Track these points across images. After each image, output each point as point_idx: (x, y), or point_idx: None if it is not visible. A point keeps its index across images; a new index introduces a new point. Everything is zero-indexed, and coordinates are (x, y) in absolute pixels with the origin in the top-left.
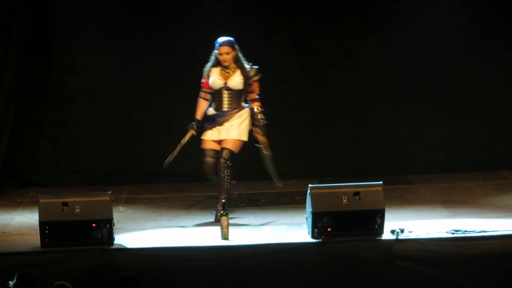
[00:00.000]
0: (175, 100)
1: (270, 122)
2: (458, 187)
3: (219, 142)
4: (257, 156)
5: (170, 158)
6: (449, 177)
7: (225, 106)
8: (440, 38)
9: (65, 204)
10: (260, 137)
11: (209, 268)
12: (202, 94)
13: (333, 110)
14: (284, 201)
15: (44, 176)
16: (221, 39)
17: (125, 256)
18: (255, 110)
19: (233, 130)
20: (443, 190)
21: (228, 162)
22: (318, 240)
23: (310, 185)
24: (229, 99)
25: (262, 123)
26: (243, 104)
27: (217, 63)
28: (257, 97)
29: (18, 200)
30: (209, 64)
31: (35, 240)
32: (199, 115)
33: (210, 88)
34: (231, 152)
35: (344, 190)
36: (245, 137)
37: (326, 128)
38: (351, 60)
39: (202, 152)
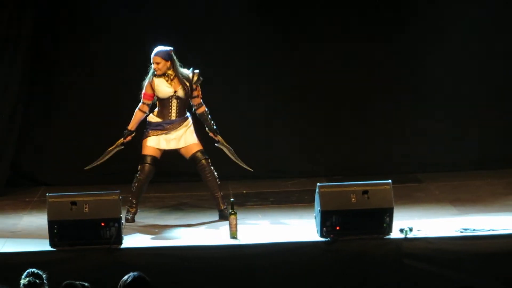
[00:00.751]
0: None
1: (279, 120)
2: (466, 186)
3: (162, 151)
4: (264, 155)
5: (95, 163)
6: (457, 176)
7: (173, 115)
8: (452, 36)
9: (73, 203)
10: (218, 137)
11: (217, 267)
12: (141, 106)
13: (342, 109)
14: (292, 199)
15: (53, 175)
16: (155, 49)
17: (133, 255)
18: (205, 114)
19: (189, 136)
20: (452, 189)
21: (209, 160)
22: (326, 239)
23: (318, 183)
24: (178, 107)
25: (213, 125)
26: (187, 113)
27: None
28: (201, 102)
29: (27, 200)
30: (150, 75)
31: (44, 239)
32: (133, 126)
33: (151, 99)
34: (203, 151)
35: (352, 188)
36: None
37: (335, 127)
38: (361, 59)
39: (141, 158)
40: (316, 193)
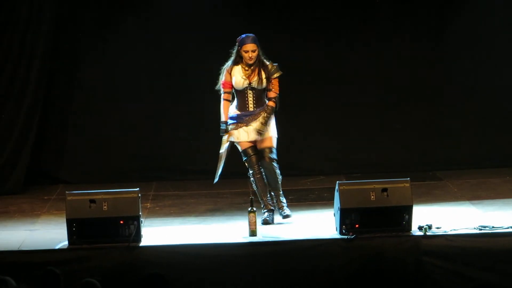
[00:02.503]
0: (203, 97)
1: (298, 119)
2: (485, 183)
3: (253, 142)
4: (283, 153)
5: (218, 172)
6: (476, 173)
7: (251, 106)
8: (475, 38)
9: (92, 201)
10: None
11: (236, 265)
12: (224, 95)
13: (361, 107)
14: (312, 197)
15: (71, 173)
16: (246, 36)
17: (152, 253)
18: (267, 108)
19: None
20: (471, 186)
21: (275, 158)
22: (346, 237)
23: (338, 181)
24: (254, 98)
25: (267, 122)
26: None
27: (238, 61)
28: (274, 95)
29: (45, 197)
30: (229, 63)
31: (63, 237)
32: (226, 117)
33: (231, 87)
34: (272, 149)
35: (372, 186)
36: (276, 133)
37: (355, 124)
38: (377, 58)
39: (243, 153)
40: (336, 190)
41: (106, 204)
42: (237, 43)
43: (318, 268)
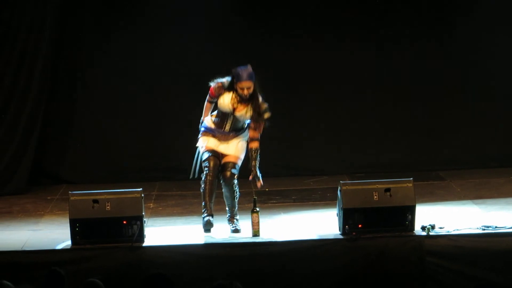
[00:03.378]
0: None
1: (300, 118)
2: (488, 183)
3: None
4: (286, 153)
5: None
6: (479, 173)
7: (227, 128)
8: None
9: (95, 201)
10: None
11: (239, 265)
12: (209, 99)
13: (364, 107)
14: (315, 197)
15: (75, 173)
16: (243, 70)
17: (155, 253)
18: (253, 152)
19: (235, 147)
20: (474, 186)
21: (236, 174)
22: (349, 237)
23: (341, 181)
24: (233, 123)
25: (256, 165)
26: (243, 129)
27: (231, 89)
28: (258, 137)
29: (49, 198)
30: (224, 82)
31: (66, 237)
32: (205, 116)
33: (215, 97)
34: (236, 165)
35: (375, 186)
36: (242, 155)
37: (357, 124)
38: (381, 57)
39: (205, 154)
40: (339, 190)
41: (109, 204)
42: (232, 75)
43: (321, 268)
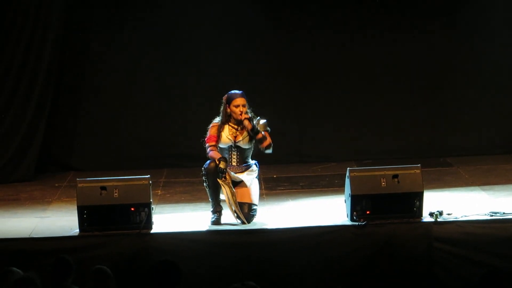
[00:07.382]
0: (215, 83)
1: (309, 106)
2: (496, 170)
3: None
4: (294, 140)
5: (236, 214)
6: (487, 160)
7: (233, 162)
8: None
9: (103, 188)
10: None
11: (247, 251)
12: (210, 148)
13: (372, 94)
14: (323, 184)
15: (82, 160)
16: (234, 92)
17: (163, 240)
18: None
19: (246, 191)
20: (482, 173)
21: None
22: (357, 223)
23: (349, 168)
24: (238, 157)
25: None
26: (251, 161)
27: (224, 121)
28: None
29: (56, 185)
30: (218, 120)
31: (74, 224)
32: (218, 155)
33: (216, 141)
34: (252, 206)
35: (383, 173)
36: (257, 200)
37: (365, 111)
38: (388, 46)
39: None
40: (347, 177)
41: (117, 191)
42: (224, 101)
43: (329, 254)
